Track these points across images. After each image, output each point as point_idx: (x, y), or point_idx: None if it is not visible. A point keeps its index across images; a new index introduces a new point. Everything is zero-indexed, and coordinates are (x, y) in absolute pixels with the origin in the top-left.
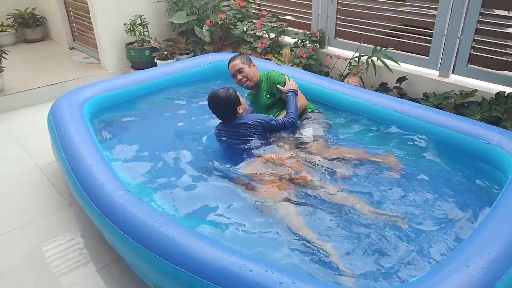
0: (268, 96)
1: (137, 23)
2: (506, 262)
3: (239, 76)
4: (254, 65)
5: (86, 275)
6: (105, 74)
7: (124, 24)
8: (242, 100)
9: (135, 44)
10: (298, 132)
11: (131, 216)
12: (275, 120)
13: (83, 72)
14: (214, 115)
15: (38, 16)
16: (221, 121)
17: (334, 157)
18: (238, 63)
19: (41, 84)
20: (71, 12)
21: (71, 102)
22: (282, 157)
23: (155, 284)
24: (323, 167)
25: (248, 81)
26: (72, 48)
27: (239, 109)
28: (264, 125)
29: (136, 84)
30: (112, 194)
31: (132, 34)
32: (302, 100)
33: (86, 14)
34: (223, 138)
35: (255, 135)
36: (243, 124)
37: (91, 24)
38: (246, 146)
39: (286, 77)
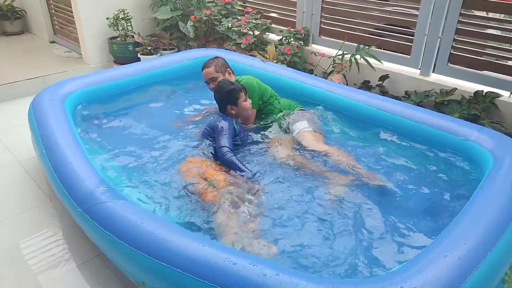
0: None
1: (120, 17)
2: (482, 252)
3: (212, 85)
4: (230, 73)
5: (67, 271)
6: (87, 68)
7: (107, 18)
8: (245, 104)
9: (118, 38)
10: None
11: (113, 212)
12: (223, 143)
13: (65, 66)
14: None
15: (17, 9)
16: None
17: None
18: (211, 71)
19: (21, 78)
20: (52, 5)
21: (52, 97)
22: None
23: (138, 280)
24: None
25: None
26: (53, 42)
27: (231, 109)
28: (210, 134)
29: (119, 79)
30: (92, 190)
31: (115, 28)
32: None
33: (67, 7)
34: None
35: (207, 139)
36: (207, 125)
37: (73, 17)
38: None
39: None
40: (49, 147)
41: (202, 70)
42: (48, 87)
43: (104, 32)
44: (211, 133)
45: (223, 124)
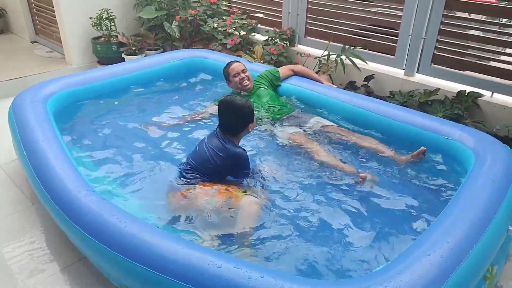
0: (266, 87)
1: (103, 17)
2: (465, 249)
3: (243, 75)
4: None
5: (49, 276)
6: (70, 69)
7: (90, 18)
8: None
9: (102, 38)
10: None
11: (95, 216)
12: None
13: (47, 67)
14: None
15: None
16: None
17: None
18: (241, 63)
19: (1, 79)
20: (33, 4)
21: (34, 97)
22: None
23: (121, 283)
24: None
25: (249, 82)
26: (34, 42)
27: (249, 128)
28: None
29: (103, 80)
30: (75, 194)
31: (99, 28)
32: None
33: (49, 7)
34: (199, 144)
35: (214, 166)
36: (225, 150)
37: (55, 17)
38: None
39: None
40: (30, 149)
41: (230, 66)
42: (29, 88)
43: (87, 32)
44: (227, 163)
45: (244, 153)
